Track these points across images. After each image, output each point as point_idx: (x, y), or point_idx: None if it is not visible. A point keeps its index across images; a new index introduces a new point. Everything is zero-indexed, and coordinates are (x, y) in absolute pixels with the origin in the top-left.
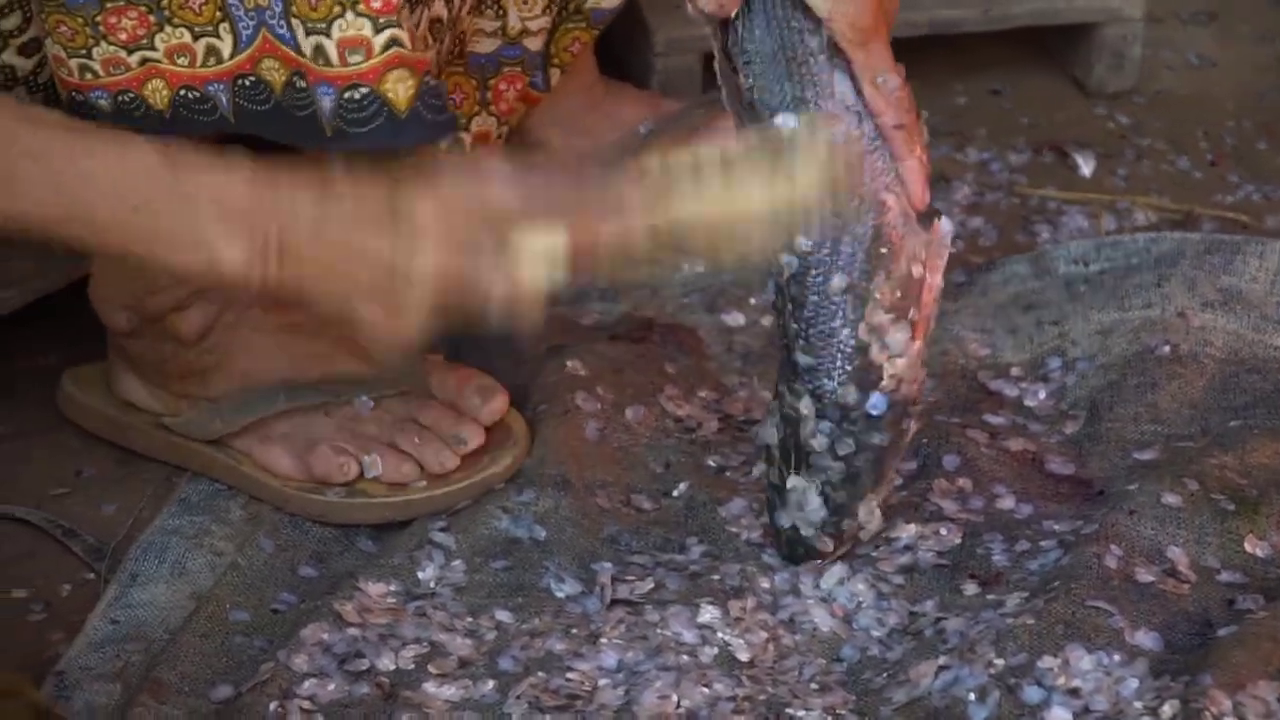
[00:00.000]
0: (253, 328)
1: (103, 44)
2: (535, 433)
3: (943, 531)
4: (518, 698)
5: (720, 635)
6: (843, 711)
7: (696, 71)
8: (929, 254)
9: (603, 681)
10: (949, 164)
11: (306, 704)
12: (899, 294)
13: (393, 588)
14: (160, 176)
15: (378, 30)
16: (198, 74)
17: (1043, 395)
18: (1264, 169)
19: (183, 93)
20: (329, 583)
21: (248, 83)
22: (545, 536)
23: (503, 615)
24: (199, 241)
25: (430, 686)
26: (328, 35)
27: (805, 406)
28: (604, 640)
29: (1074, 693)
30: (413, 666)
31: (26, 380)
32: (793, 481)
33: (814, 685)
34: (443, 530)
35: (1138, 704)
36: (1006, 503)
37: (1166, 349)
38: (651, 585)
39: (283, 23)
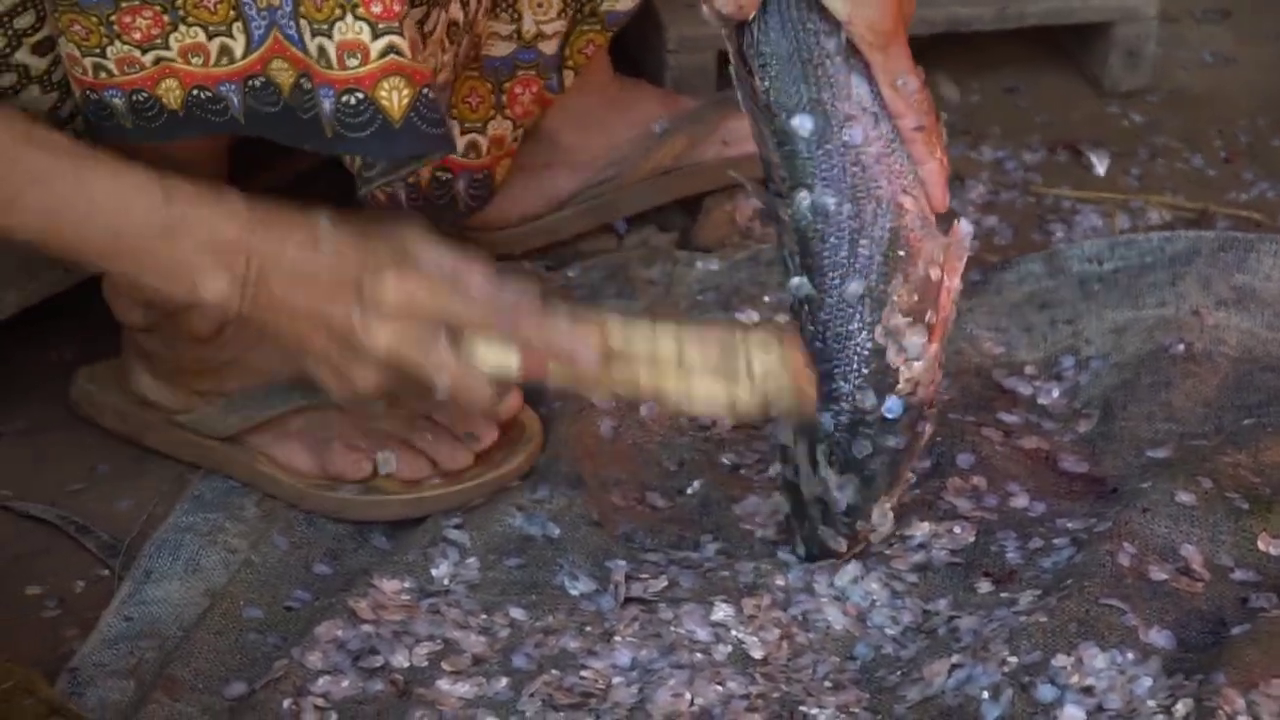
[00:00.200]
0: None
1: (117, 43)
2: (549, 430)
3: (956, 529)
4: (531, 695)
5: (734, 633)
6: (856, 709)
7: (710, 69)
8: (947, 257)
9: (616, 679)
10: (964, 162)
11: (320, 701)
12: (917, 297)
13: (407, 585)
14: (156, 207)
15: (375, 36)
16: (211, 73)
17: (1057, 393)
18: (1278, 166)
19: (195, 92)
20: (343, 580)
21: (258, 84)
22: (559, 534)
23: (516, 613)
24: (186, 270)
25: (444, 684)
26: (329, 37)
27: (821, 409)
28: (618, 638)
29: (1087, 691)
30: (426, 663)
31: (41, 377)
32: (806, 480)
33: (828, 683)
34: (457, 527)
35: (1151, 702)
36: (1020, 501)
37: (1180, 347)
38: (665, 583)
39: (291, 23)
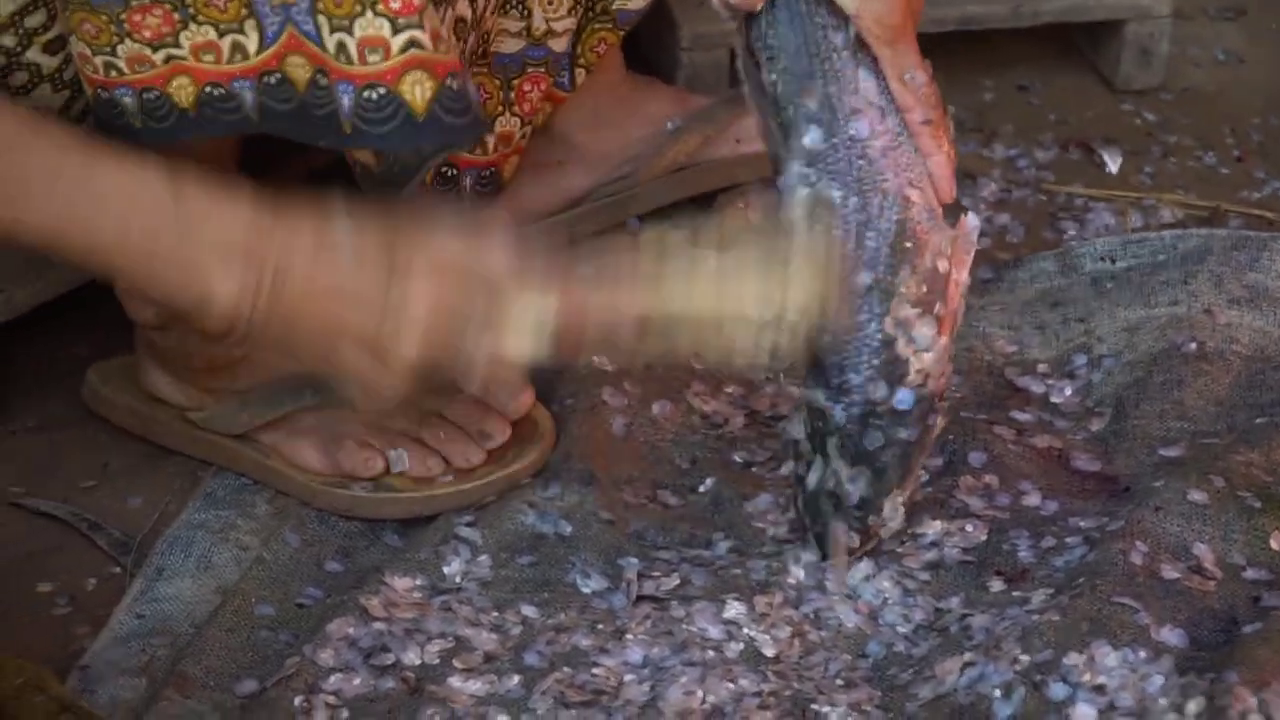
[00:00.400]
0: None
1: (127, 41)
2: (561, 428)
3: (969, 528)
4: (543, 693)
5: (746, 631)
6: (868, 708)
7: (723, 66)
8: (955, 249)
9: (628, 677)
10: (976, 160)
11: (332, 698)
12: (924, 289)
13: (418, 582)
14: (165, 205)
15: (396, 31)
16: (224, 70)
17: (1069, 392)
18: None
19: (208, 90)
20: (355, 577)
21: (273, 80)
22: (571, 532)
23: (528, 610)
24: (195, 272)
25: (455, 681)
26: (349, 33)
27: (833, 401)
28: (629, 636)
29: (1099, 689)
30: (438, 661)
31: (54, 374)
32: (815, 475)
33: (839, 681)
34: (469, 525)
35: (1163, 701)
36: (1032, 499)
37: (1193, 346)
38: (677, 581)
39: (309, 19)
